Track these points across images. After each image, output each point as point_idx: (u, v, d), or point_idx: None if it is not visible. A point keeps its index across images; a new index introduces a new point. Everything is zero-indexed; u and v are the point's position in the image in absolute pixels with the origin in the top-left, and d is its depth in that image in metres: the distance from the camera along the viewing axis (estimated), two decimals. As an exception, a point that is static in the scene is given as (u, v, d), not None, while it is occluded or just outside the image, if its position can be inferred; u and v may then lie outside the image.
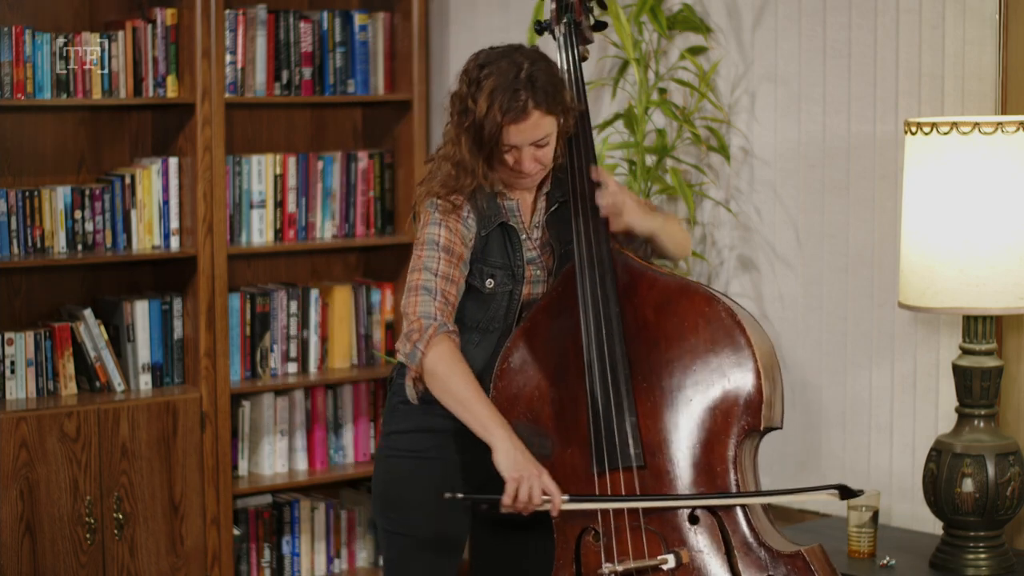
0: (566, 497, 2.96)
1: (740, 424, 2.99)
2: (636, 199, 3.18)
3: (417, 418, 3.17)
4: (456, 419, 3.09)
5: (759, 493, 3.05)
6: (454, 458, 3.16)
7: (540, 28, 3.38)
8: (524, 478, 2.92)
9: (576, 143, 3.18)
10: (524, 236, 3.16)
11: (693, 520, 3.00)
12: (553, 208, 3.20)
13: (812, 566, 2.95)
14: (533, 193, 3.21)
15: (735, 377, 3.00)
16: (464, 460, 3.15)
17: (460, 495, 2.99)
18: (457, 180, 3.08)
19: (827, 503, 4.09)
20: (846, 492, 2.99)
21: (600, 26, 3.35)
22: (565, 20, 3.27)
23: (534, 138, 3.04)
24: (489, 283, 3.13)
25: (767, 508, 3.09)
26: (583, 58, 3.30)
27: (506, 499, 2.93)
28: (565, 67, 3.24)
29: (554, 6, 3.31)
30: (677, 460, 3.01)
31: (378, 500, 3.23)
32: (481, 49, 3.12)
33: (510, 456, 2.94)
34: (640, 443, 3.02)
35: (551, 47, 3.30)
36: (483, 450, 3.03)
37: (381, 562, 4.93)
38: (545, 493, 2.93)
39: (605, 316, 3.06)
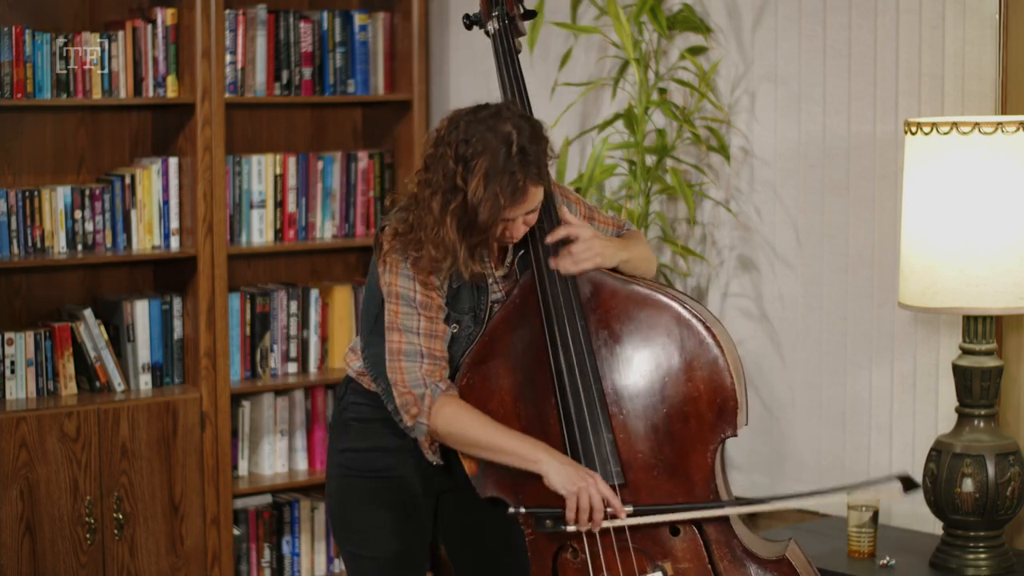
0: (630, 508, 2.89)
1: (717, 432, 2.93)
2: (603, 239, 3.06)
3: (373, 437, 3.11)
4: (408, 436, 3.04)
5: (793, 496, 2.97)
6: (410, 475, 3.11)
7: (469, 22, 3.25)
8: (582, 489, 2.86)
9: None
10: (491, 280, 3.07)
11: (674, 532, 2.95)
12: (521, 252, 3.08)
13: (797, 571, 2.93)
14: None
15: (708, 384, 2.93)
16: (419, 477, 3.11)
17: (523, 509, 2.92)
18: (439, 264, 2.93)
19: (827, 504, 4.09)
20: (908, 483, 2.88)
21: (530, 15, 3.24)
22: (496, 13, 3.16)
23: (529, 209, 2.94)
24: (454, 328, 3.03)
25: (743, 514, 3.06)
26: (518, 50, 3.17)
27: (570, 514, 2.87)
28: (502, 63, 3.13)
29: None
30: (656, 473, 2.95)
31: (337, 521, 3.16)
32: (456, 112, 2.95)
33: (561, 473, 2.87)
34: (619, 460, 2.95)
35: (481, 42, 3.17)
36: (437, 467, 3.00)
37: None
38: (606, 502, 2.87)
39: (572, 330, 2.97)
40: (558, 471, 2.87)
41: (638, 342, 2.97)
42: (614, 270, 3.06)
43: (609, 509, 2.88)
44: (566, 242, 3.03)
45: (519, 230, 2.96)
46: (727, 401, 2.93)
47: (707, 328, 2.95)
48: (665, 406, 2.95)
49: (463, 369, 3.01)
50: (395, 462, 3.10)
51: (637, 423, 2.95)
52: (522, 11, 3.22)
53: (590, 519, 2.88)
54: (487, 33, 3.18)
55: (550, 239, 3.02)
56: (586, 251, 3.02)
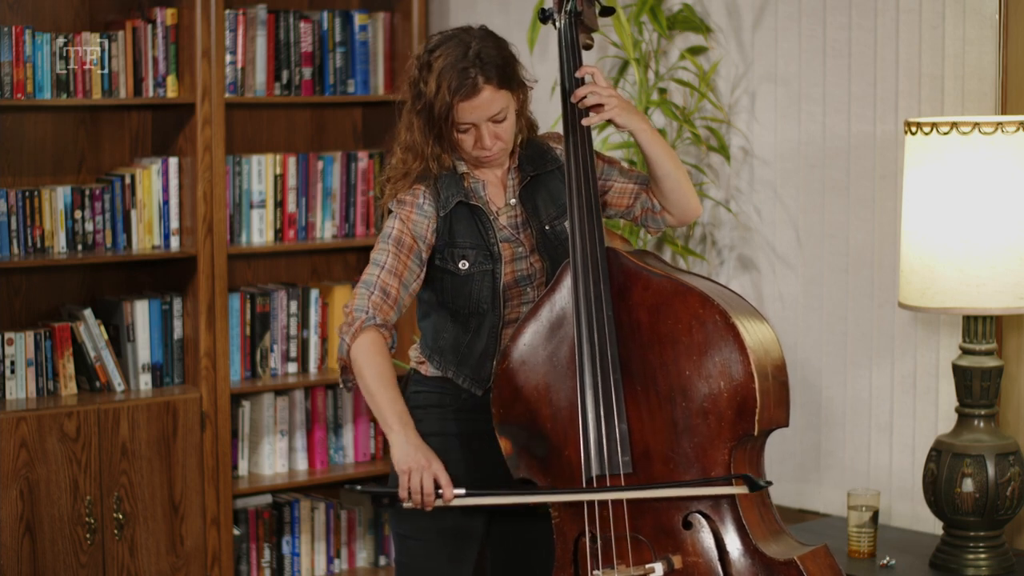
0: (461, 491, 2.95)
1: (734, 429, 2.93)
2: (624, 100, 3.12)
3: (431, 422, 3.17)
4: (465, 423, 3.11)
5: (665, 485, 2.97)
6: (463, 460, 3.16)
7: (544, 16, 3.31)
8: (413, 469, 2.94)
9: (574, 134, 3.11)
10: (493, 216, 3.14)
11: (687, 526, 2.96)
12: (526, 182, 3.17)
13: (804, 574, 2.92)
14: (502, 173, 3.18)
15: (728, 382, 2.93)
16: (473, 462, 3.15)
17: (359, 488, 3.02)
18: (405, 163, 3.13)
19: (829, 502, 4.09)
20: (752, 484, 2.92)
21: (608, 12, 3.28)
22: (567, 9, 3.20)
23: (489, 114, 3.04)
24: (463, 264, 3.11)
25: (773, 509, 3.06)
26: (586, 46, 3.21)
27: (401, 492, 2.95)
28: (561, 58, 3.16)
29: None
30: (672, 466, 2.96)
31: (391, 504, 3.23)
32: (432, 34, 3.15)
33: (401, 449, 2.96)
34: (630, 450, 2.97)
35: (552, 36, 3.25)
36: (491, 452, 3.04)
37: (383, 562, 4.93)
38: (437, 484, 2.94)
39: (598, 319, 3.01)
40: (399, 447, 2.96)
41: (664, 334, 2.98)
42: (651, 257, 3.11)
43: (439, 490, 2.95)
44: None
45: (488, 139, 3.06)
46: (747, 400, 2.92)
47: (732, 325, 2.94)
48: (685, 400, 2.96)
49: (502, 354, 3.09)
50: (449, 446, 3.15)
51: (656, 414, 2.97)
52: (597, 8, 3.24)
53: (423, 500, 2.96)
54: (555, 26, 3.22)
55: (574, 99, 3.10)
56: (592, 88, 3.08)
